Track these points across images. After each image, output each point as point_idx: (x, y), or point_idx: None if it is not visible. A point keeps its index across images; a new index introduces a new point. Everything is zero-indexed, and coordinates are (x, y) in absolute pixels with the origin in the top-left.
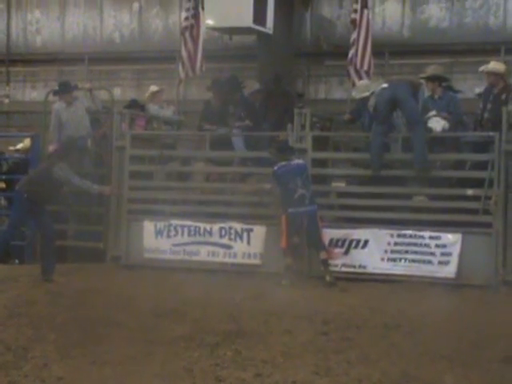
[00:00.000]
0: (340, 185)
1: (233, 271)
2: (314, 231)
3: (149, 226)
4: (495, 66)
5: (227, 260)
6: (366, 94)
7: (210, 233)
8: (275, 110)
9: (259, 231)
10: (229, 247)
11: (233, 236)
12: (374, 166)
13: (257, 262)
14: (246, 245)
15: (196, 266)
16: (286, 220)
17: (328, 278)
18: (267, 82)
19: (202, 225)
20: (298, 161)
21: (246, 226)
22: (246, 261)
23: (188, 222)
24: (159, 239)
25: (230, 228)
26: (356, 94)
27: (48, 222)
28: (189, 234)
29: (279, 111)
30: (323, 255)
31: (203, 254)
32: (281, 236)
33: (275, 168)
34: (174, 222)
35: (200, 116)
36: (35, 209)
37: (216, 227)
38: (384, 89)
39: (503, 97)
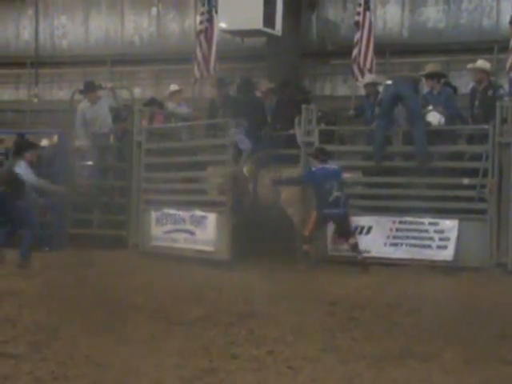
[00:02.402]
0: (346, 175)
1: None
2: (346, 227)
3: (152, 216)
4: (482, 63)
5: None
6: (376, 79)
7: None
8: (285, 111)
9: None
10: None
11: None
12: (376, 157)
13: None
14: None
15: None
16: (317, 216)
17: (359, 257)
18: (278, 87)
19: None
20: (334, 166)
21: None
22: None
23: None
24: (157, 227)
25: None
26: (367, 79)
27: (22, 217)
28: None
29: (289, 112)
30: (353, 240)
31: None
32: (306, 226)
33: (314, 169)
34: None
35: (207, 113)
36: (6, 205)
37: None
38: (388, 85)
39: (490, 93)
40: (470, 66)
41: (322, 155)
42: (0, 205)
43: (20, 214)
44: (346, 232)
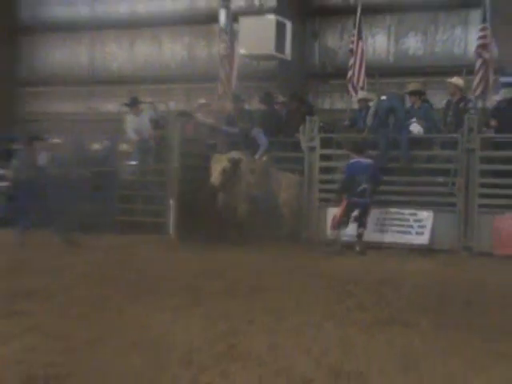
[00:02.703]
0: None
1: None
2: (364, 216)
3: None
4: (456, 80)
5: None
6: (367, 95)
7: None
8: (293, 121)
9: None
10: None
11: None
12: (382, 160)
13: None
14: None
15: None
16: (347, 205)
17: (358, 248)
18: (287, 99)
19: None
20: (367, 160)
21: None
22: None
23: None
24: None
25: None
26: (360, 95)
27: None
28: None
29: (297, 120)
30: (361, 230)
31: None
32: (337, 213)
33: (350, 161)
34: None
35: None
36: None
37: None
38: (383, 100)
39: (461, 105)
40: (448, 80)
41: (357, 150)
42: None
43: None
44: (362, 220)
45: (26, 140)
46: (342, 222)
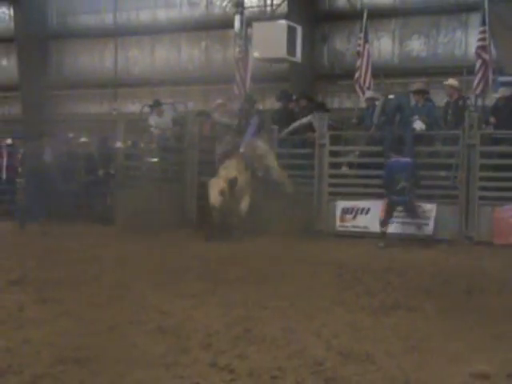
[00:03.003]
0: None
1: None
2: (411, 212)
3: None
4: (451, 81)
5: None
6: (373, 95)
7: None
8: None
9: None
10: None
11: None
12: (386, 155)
13: None
14: None
15: None
16: (388, 204)
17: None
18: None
19: None
20: (406, 159)
21: None
22: None
23: None
24: None
25: None
26: (366, 94)
27: None
28: None
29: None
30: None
31: None
32: (382, 211)
33: (389, 160)
34: None
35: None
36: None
37: None
38: (391, 98)
39: (460, 103)
40: (444, 82)
41: (396, 149)
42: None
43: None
44: (412, 216)
45: (35, 135)
46: (387, 221)
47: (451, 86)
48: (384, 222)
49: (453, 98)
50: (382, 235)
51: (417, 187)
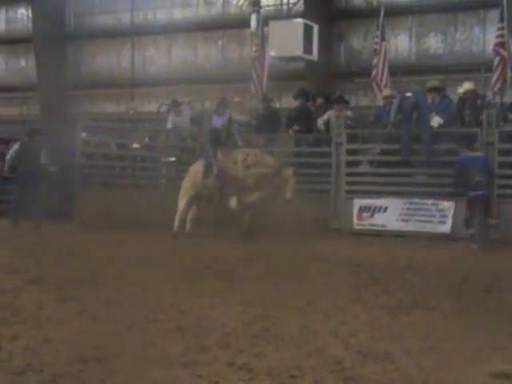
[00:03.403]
0: (366, 167)
1: None
2: (488, 207)
3: None
4: (467, 85)
5: None
6: (391, 92)
7: None
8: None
9: None
10: None
11: None
12: (403, 153)
13: None
14: None
15: None
16: (468, 201)
17: (492, 235)
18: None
19: None
20: (478, 153)
21: None
22: None
23: None
24: None
25: None
26: (384, 92)
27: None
28: None
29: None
30: (490, 221)
31: None
32: (463, 211)
33: (461, 156)
34: None
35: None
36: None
37: None
38: (408, 96)
39: (479, 103)
40: (459, 90)
41: (463, 145)
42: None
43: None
44: (487, 212)
45: (28, 133)
46: (471, 219)
47: (469, 91)
48: (469, 221)
49: (470, 99)
50: (472, 237)
51: (492, 181)
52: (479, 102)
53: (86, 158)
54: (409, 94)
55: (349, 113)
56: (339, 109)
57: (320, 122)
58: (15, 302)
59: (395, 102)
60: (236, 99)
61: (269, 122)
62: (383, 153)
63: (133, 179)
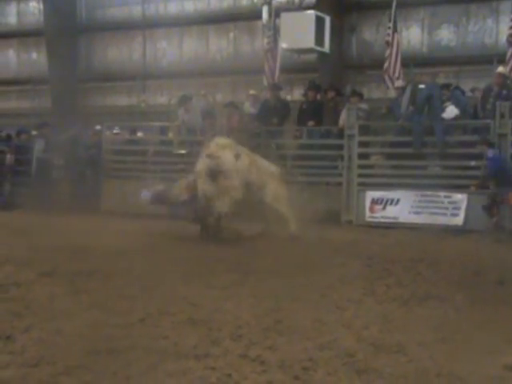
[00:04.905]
0: (378, 158)
1: None
2: None
3: None
4: (503, 69)
5: None
6: (404, 84)
7: None
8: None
9: None
10: None
11: None
12: (415, 145)
13: None
14: None
15: None
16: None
17: None
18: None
19: None
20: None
21: None
22: None
23: None
24: None
25: None
26: (396, 84)
27: None
28: None
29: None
30: None
31: None
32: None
33: (492, 155)
34: None
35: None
36: None
37: None
38: (422, 88)
39: (504, 93)
40: (497, 71)
41: (489, 142)
42: None
43: None
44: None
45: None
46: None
47: (502, 74)
48: (492, 209)
49: (497, 88)
50: (494, 226)
51: None
52: (505, 92)
53: (112, 154)
54: (422, 86)
55: (364, 105)
56: (354, 102)
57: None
58: (28, 295)
59: (406, 93)
60: (251, 91)
61: (277, 113)
62: (395, 145)
63: (150, 172)
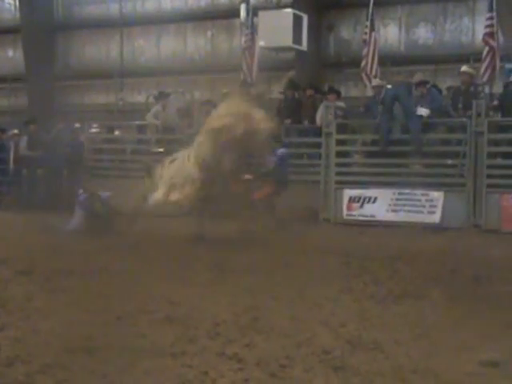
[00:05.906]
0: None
1: None
2: None
3: None
4: (468, 68)
5: None
6: (380, 82)
7: None
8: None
9: None
10: None
11: None
12: (382, 143)
13: None
14: None
15: None
16: None
17: None
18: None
19: None
20: None
21: None
22: None
23: None
24: None
25: None
26: (374, 82)
27: None
28: None
29: (310, 107)
30: None
31: None
32: None
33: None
34: None
35: None
36: None
37: None
38: (388, 88)
39: (472, 89)
40: (461, 70)
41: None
42: None
43: None
44: None
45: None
46: None
47: (466, 73)
48: None
49: (464, 87)
50: None
51: None
52: (472, 88)
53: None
54: (389, 86)
55: (341, 104)
56: (331, 100)
57: (318, 117)
58: (4, 293)
59: (383, 92)
60: (224, 90)
61: (293, 112)
62: (372, 143)
63: (127, 171)
